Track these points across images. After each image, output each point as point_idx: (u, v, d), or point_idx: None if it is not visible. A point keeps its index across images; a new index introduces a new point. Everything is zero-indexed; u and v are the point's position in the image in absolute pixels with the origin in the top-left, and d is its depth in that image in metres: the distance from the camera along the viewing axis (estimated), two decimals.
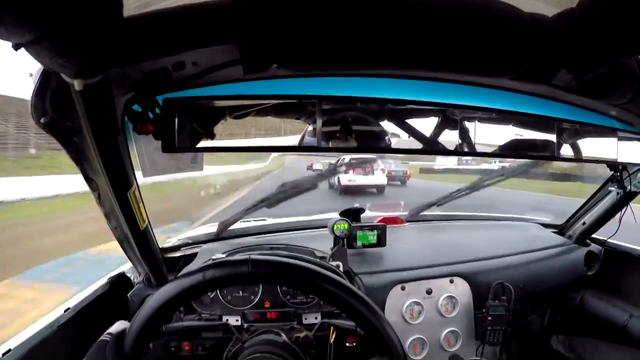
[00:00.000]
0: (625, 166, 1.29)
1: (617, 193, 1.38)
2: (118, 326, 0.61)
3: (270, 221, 1.59)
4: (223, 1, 0.49)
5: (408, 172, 14.21)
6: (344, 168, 10.88)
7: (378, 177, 11.13)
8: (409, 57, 0.57)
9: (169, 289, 0.60)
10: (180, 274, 0.66)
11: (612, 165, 1.29)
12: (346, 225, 1.20)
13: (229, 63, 0.62)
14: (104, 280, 1.15)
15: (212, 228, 1.45)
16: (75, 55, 0.44)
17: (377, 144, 0.87)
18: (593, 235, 1.58)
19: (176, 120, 0.69)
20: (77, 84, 0.50)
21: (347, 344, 1.07)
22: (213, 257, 1.12)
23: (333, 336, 1.05)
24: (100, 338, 0.58)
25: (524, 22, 0.56)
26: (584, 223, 1.54)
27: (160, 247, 1.28)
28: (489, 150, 0.93)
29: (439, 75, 0.82)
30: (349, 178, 10.72)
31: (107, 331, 0.59)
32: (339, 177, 10.92)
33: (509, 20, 0.56)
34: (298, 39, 0.50)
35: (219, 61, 0.64)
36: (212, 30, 0.51)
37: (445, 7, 0.53)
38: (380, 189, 11.21)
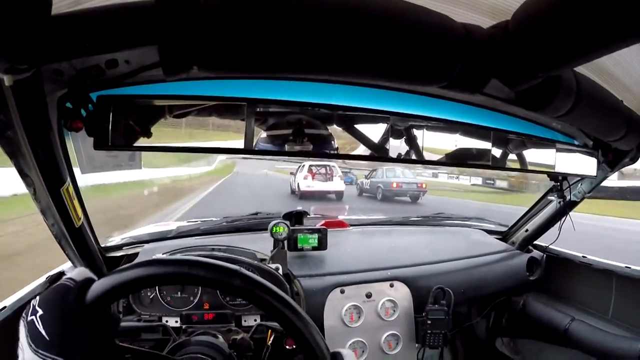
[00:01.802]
0: (565, 177, 1.34)
1: (558, 202, 1.43)
2: (80, 274, 0.56)
3: (214, 222, 1.58)
4: (145, 3, 0.49)
5: (423, 185, 12.13)
6: (304, 173, 11.07)
7: (336, 184, 11.36)
8: (335, 63, 0.57)
9: (157, 268, 0.56)
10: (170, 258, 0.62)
11: (553, 176, 1.34)
12: (284, 228, 1.20)
13: (158, 63, 0.62)
14: (42, 279, 1.12)
15: (156, 228, 1.43)
16: (2, 53, 0.44)
17: (309, 149, 0.86)
18: (536, 242, 1.63)
19: (110, 117, 0.68)
20: (6, 80, 0.50)
21: (287, 347, 1.08)
22: (154, 257, 1.10)
23: (271, 339, 1.06)
24: (61, 282, 0.54)
25: (455, 33, 0.57)
26: (526, 230, 1.60)
27: (103, 245, 1.26)
28: (434, 158, 0.95)
29: (371, 81, 0.82)
30: (307, 184, 11.00)
31: (69, 276, 0.55)
32: (298, 183, 11.20)
33: (439, 29, 0.57)
34: (215, 42, 0.50)
35: (149, 61, 0.63)
36: (132, 31, 0.51)
37: (372, 14, 0.53)
38: (338, 195, 11.38)
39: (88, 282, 0.55)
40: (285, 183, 13.49)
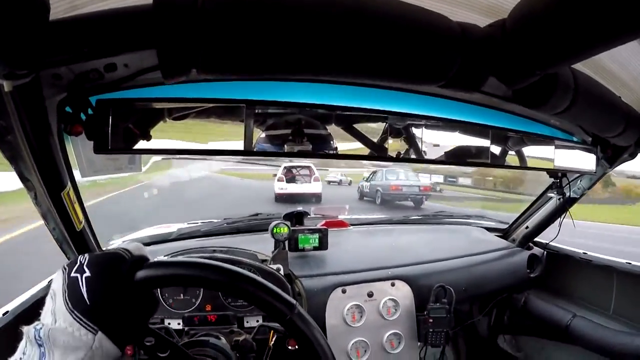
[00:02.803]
0: (565, 174, 1.34)
1: (558, 199, 1.43)
2: (136, 248, 0.55)
3: (214, 224, 1.58)
4: (143, 7, 0.50)
5: (428, 188, 11.47)
6: (279, 175, 10.66)
7: (313, 186, 11.02)
8: (332, 64, 0.57)
9: (216, 275, 0.55)
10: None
11: (552, 172, 1.34)
12: (285, 229, 1.20)
13: (156, 67, 0.62)
14: (45, 282, 1.12)
15: (156, 230, 1.43)
16: (1, 59, 0.44)
17: (308, 150, 0.86)
18: (536, 239, 1.64)
19: (110, 120, 0.68)
20: (6, 85, 0.50)
21: (290, 347, 1.08)
22: (156, 259, 1.10)
23: (273, 339, 1.06)
24: (117, 250, 0.52)
25: (451, 31, 0.57)
26: (527, 227, 1.60)
27: (104, 248, 1.26)
28: (433, 157, 0.95)
29: (369, 81, 0.82)
30: (280, 187, 10.75)
31: (125, 247, 0.53)
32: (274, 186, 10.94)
33: (435, 28, 0.57)
34: (213, 45, 0.50)
35: (148, 64, 0.63)
36: (130, 35, 0.51)
37: (368, 14, 0.53)
38: (317, 198, 10.96)
39: (142, 259, 0.54)
40: (238, 189, 12.54)
